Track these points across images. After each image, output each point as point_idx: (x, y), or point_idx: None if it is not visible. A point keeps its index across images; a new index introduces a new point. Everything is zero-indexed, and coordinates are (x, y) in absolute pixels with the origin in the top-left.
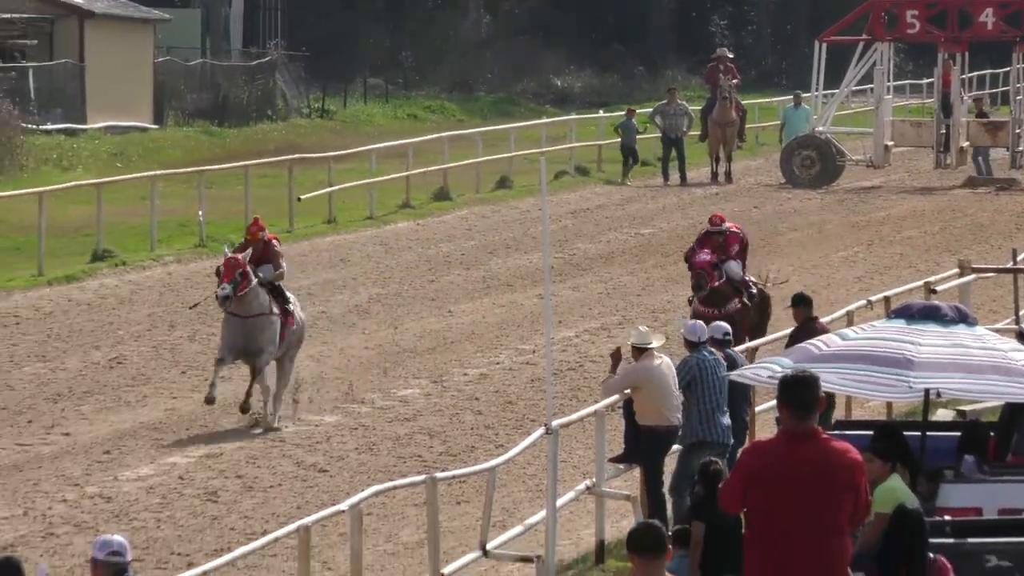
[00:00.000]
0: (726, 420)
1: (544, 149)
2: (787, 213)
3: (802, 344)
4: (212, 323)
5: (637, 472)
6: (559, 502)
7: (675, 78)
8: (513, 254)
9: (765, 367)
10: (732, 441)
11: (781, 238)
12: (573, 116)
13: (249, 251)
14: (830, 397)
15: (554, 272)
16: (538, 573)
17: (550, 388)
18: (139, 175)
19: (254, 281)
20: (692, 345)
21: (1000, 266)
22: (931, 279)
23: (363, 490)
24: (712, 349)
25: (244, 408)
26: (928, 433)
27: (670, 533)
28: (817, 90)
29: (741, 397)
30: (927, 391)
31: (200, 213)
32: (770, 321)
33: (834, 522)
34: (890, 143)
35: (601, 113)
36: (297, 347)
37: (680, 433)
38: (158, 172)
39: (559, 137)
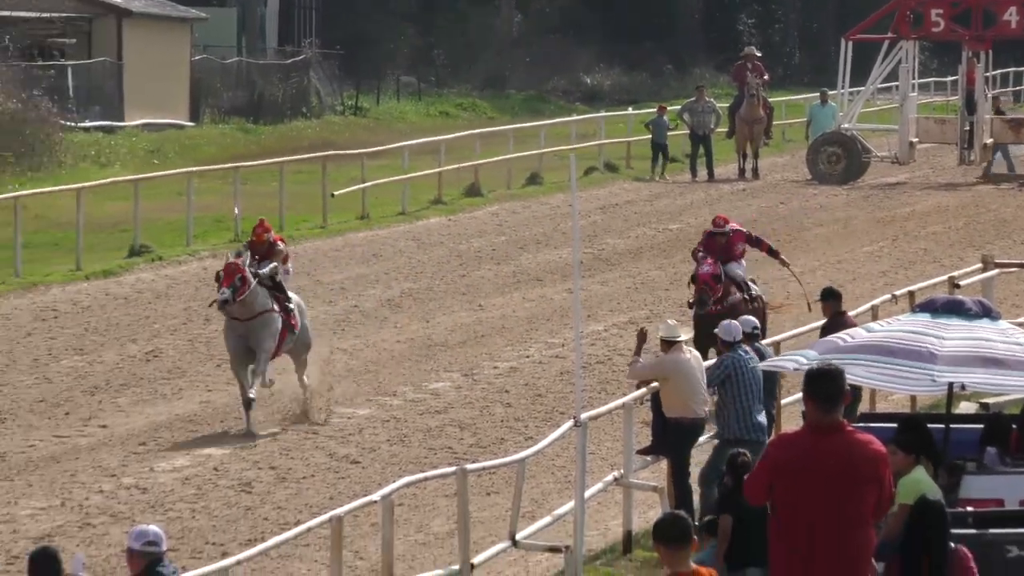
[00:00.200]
0: (762, 417)
1: (574, 146)
2: (813, 209)
3: (828, 337)
4: None
5: (664, 464)
6: (587, 493)
7: (703, 76)
8: (543, 249)
9: (791, 359)
10: (767, 438)
11: (807, 233)
12: (603, 113)
13: (248, 255)
14: (855, 390)
15: (583, 267)
16: (566, 563)
17: (579, 381)
18: (175, 171)
19: (253, 283)
20: (728, 345)
21: (1023, 261)
22: (955, 274)
23: (395, 481)
24: (747, 348)
25: (266, 384)
26: (951, 426)
27: (697, 524)
28: (843, 87)
29: (766, 391)
30: (951, 384)
31: (235, 209)
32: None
33: (858, 513)
34: (915, 140)
35: (630, 110)
36: (305, 351)
37: (717, 429)
38: (194, 169)
39: (589, 134)
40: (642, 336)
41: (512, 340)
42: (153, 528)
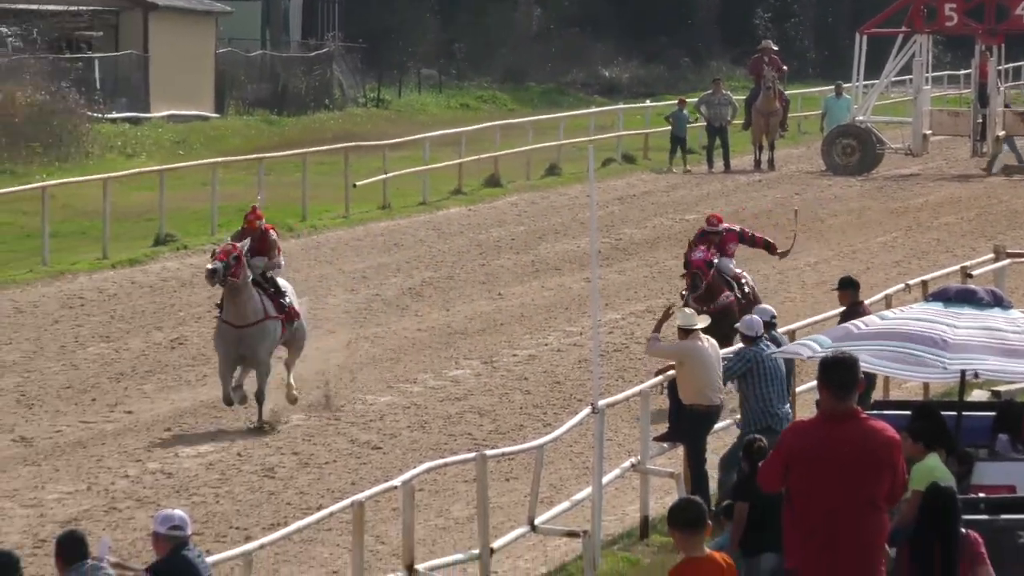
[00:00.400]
0: (785, 408)
1: (592, 137)
2: (828, 199)
3: (842, 324)
4: None
5: (681, 450)
6: (605, 479)
7: (720, 69)
8: (561, 239)
9: (805, 345)
10: None
11: (822, 224)
12: (620, 106)
13: (247, 241)
14: (868, 377)
15: (601, 256)
16: (584, 548)
17: (597, 369)
18: (200, 162)
19: (248, 275)
20: (750, 339)
21: None
22: (967, 264)
23: (415, 467)
24: (768, 342)
25: (245, 399)
26: (964, 413)
27: (713, 509)
28: (858, 81)
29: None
30: (963, 372)
31: (259, 199)
32: None
33: (872, 500)
34: (928, 132)
35: (648, 103)
36: (299, 347)
37: (740, 421)
38: (219, 159)
39: (607, 126)
40: (667, 314)
41: (531, 328)
42: (178, 512)
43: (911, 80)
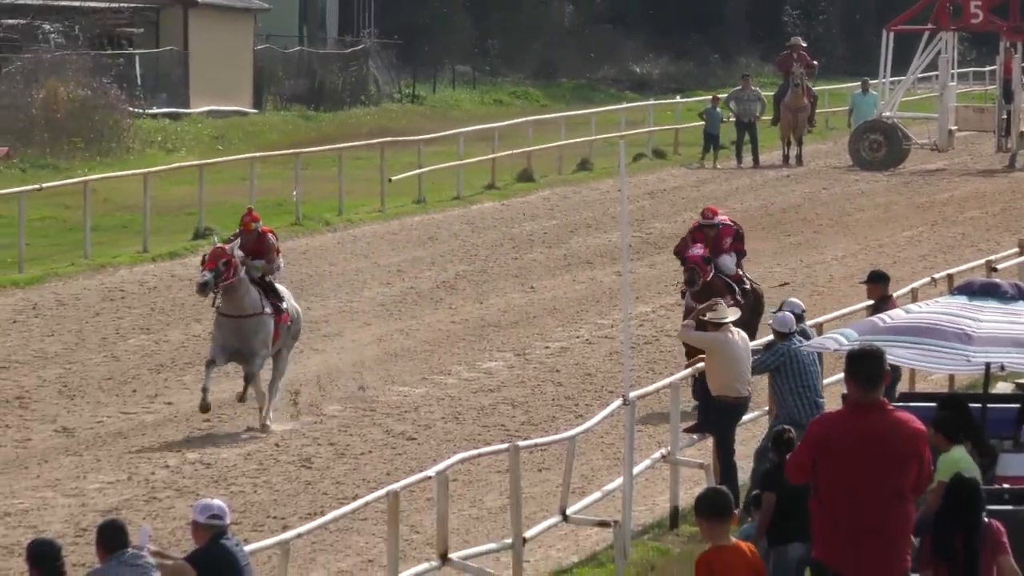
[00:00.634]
0: (820, 401)
1: (623, 133)
2: (855, 194)
3: (868, 318)
4: (307, 298)
5: (710, 442)
6: (636, 470)
7: (748, 65)
8: (593, 233)
9: (832, 338)
10: None
11: (849, 218)
12: (651, 101)
13: (238, 242)
14: (894, 370)
15: (632, 250)
16: (615, 537)
17: (628, 361)
18: (239, 157)
19: (242, 272)
20: (782, 336)
21: None
22: (992, 258)
23: (449, 457)
24: (801, 338)
25: (241, 399)
26: (988, 405)
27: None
28: (884, 77)
29: None
30: (987, 364)
31: (296, 193)
32: (760, 320)
33: (898, 491)
34: (954, 128)
35: (678, 99)
36: (293, 341)
37: (775, 415)
38: (257, 154)
39: (638, 121)
40: (710, 307)
41: (563, 321)
42: (217, 502)
43: (937, 76)
